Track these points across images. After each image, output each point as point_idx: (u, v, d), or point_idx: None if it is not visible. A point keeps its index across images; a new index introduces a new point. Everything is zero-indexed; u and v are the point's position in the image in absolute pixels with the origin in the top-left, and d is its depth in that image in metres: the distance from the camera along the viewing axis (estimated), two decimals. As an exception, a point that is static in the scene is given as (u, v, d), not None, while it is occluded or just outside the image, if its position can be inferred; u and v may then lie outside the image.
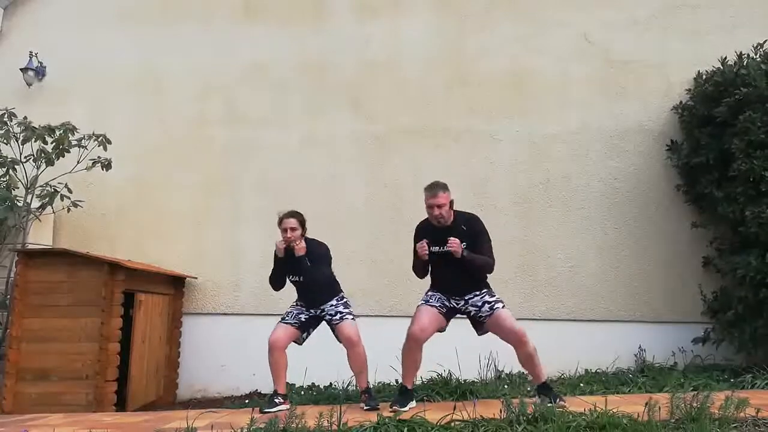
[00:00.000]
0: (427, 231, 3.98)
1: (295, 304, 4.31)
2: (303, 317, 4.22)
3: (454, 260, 3.81)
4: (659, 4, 6.55)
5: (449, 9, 6.67)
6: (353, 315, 4.23)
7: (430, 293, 4.04)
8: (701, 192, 5.76)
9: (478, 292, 3.93)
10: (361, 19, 6.71)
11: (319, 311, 4.23)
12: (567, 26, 6.55)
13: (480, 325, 3.99)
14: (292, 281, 4.25)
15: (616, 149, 6.31)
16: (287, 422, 3.22)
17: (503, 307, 3.89)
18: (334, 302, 4.21)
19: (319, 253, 4.21)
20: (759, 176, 5.06)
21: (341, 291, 4.32)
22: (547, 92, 6.45)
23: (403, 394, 3.92)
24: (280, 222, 4.17)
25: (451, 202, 3.93)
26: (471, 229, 3.92)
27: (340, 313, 4.17)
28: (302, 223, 4.19)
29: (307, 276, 4.14)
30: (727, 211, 5.39)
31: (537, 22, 6.58)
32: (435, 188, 3.88)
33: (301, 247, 4.11)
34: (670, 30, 6.49)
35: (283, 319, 4.24)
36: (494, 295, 3.95)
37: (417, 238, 4.02)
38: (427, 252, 3.85)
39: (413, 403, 3.92)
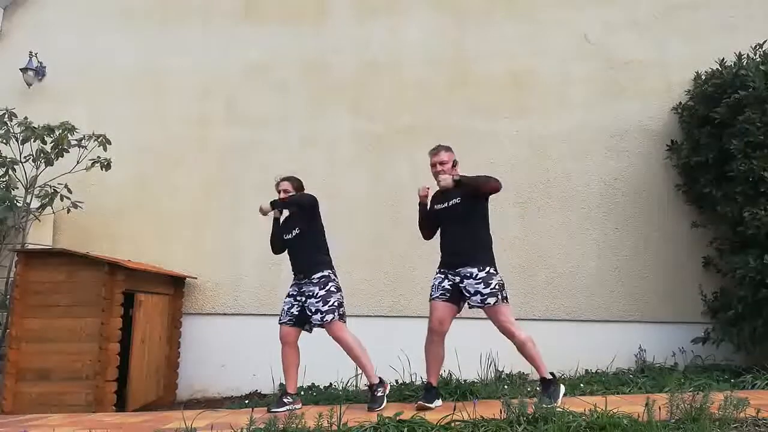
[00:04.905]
0: (434, 196, 4.11)
1: (286, 295, 4.29)
2: (295, 310, 4.19)
3: (455, 218, 3.91)
4: (659, 4, 6.56)
5: (449, 9, 6.67)
6: (336, 312, 4.06)
7: (433, 280, 4.02)
8: (701, 192, 5.76)
9: (474, 270, 3.79)
10: (361, 19, 6.71)
11: (301, 291, 4.16)
12: (567, 26, 6.55)
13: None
14: (288, 239, 4.29)
15: (616, 149, 6.31)
16: (287, 422, 3.22)
17: (495, 303, 3.75)
18: (316, 289, 4.08)
19: (306, 197, 4.30)
20: (758, 176, 5.06)
21: (328, 265, 4.22)
22: (547, 92, 6.45)
23: (429, 391, 3.90)
24: (276, 186, 4.40)
25: (455, 163, 4.04)
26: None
27: (321, 313, 4.04)
28: (298, 188, 4.38)
29: (292, 207, 4.28)
30: (725, 210, 5.39)
31: (537, 22, 6.59)
32: (437, 147, 4.09)
33: (285, 197, 4.28)
34: (670, 30, 6.49)
35: (279, 319, 4.26)
36: (490, 283, 3.76)
37: (423, 204, 4.15)
38: (428, 198, 4.06)
39: (439, 402, 3.92)
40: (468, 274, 3.81)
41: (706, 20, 6.47)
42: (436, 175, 4.01)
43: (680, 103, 6.22)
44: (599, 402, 3.49)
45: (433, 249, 4.15)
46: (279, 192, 4.34)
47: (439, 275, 4.00)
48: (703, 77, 5.95)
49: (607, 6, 6.58)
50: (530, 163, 6.30)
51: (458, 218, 3.92)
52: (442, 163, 3.99)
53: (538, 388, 3.99)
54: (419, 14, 6.69)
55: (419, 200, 4.10)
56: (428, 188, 4.09)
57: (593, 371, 5.66)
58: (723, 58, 5.73)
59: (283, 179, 4.39)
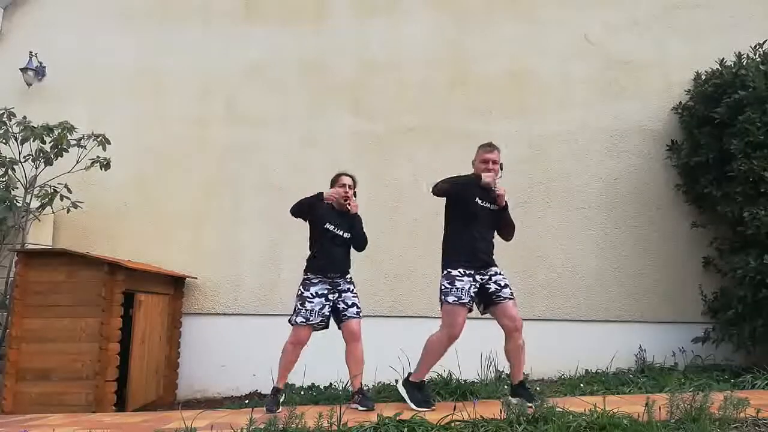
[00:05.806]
0: (475, 185, 4.00)
1: (311, 295, 4.14)
2: (326, 311, 4.19)
3: (492, 222, 4.01)
4: (659, 4, 6.56)
5: (449, 9, 6.67)
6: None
7: (457, 283, 3.84)
8: (701, 192, 5.76)
9: (498, 269, 4.00)
10: (361, 19, 6.71)
11: (337, 288, 4.22)
12: (567, 26, 6.55)
13: (490, 304, 3.94)
14: (334, 235, 4.26)
15: (616, 149, 6.31)
16: (287, 422, 3.21)
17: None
18: (351, 286, 4.28)
19: (360, 217, 4.42)
20: (758, 176, 5.06)
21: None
22: (547, 92, 6.45)
23: (423, 390, 3.97)
24: (337, 179, 4.37)
25: (501, 166, 4.07)
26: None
27: (357, 307, 4.23)
28: (356, 184, 4.43)
29: (356, 234, 4.31)
30: (725, 210, 5.39)
31: (537, 22, 6.59)
32: (492, 145, 4.09)
33: (355, 205, 4.30)
34: (670, 30, 6.49)
35: (307, 320, 4.10)
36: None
37: (464, 180, 4.02)
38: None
39: None
40: (495, 272, 4.00)
41: (706, 20, 6.47)
42: (485, 171, 3.97)
43: (680, 103, 6.22)
44: (599, 402, 3.48)
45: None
46: (344, 186, 4.29)
47: (465, 278, 3.85)
48: (703, 77, 5.95)
49: (607, 6, 6.58)
50: (530, 163, 6.30)
51: (494, 223, 4.06)
52: (494, 162, 4.01)
53: (536, 389, 3.98)
54: (419, 14, 6.69)
55: (480, 181, 3.92)
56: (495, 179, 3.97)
57: (593, 371, 5.65)
58: (723, 58, 5.73)
59: (348, 175, 4.38)
